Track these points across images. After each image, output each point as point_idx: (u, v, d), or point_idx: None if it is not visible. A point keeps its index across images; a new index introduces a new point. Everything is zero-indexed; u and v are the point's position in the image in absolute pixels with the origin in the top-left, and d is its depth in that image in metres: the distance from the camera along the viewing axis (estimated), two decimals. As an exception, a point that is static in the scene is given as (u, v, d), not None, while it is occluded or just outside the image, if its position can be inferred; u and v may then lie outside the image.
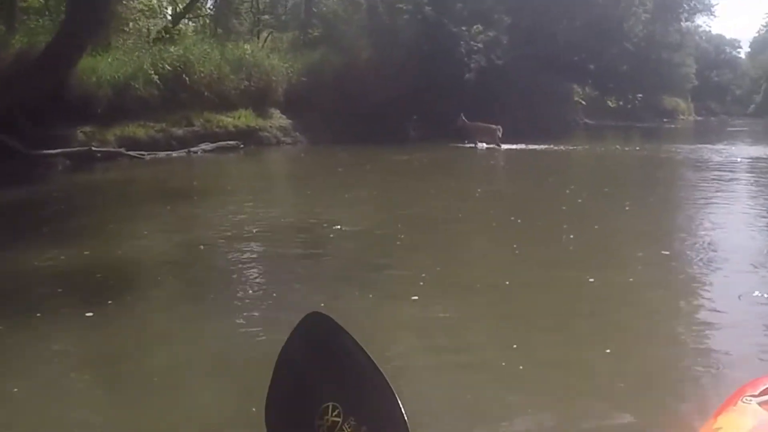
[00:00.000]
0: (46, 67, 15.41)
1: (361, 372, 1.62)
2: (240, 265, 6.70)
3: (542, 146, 20.76)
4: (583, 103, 28.73)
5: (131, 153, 16.08)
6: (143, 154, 16.34)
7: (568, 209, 10.06)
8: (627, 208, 10.37)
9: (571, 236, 7.92)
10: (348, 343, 1.66)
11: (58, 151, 15.33)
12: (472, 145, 21.15)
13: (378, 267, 6.57)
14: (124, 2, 16.43)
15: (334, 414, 1.60)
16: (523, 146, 20.66)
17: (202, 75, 18.64)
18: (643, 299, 5.55)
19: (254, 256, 7.23)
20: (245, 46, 20.64)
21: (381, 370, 1.59)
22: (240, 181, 14.01)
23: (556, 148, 20.80)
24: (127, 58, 17.63)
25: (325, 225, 8.71)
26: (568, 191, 11.90)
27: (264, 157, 18.37)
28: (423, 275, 6.02)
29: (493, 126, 20.94)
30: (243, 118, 19.47)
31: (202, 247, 7.47)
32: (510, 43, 24.05)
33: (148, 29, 18.21)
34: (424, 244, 7.77)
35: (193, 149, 17.38)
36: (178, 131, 17.87)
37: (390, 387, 1.57)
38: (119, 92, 17.07)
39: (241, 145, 18.55)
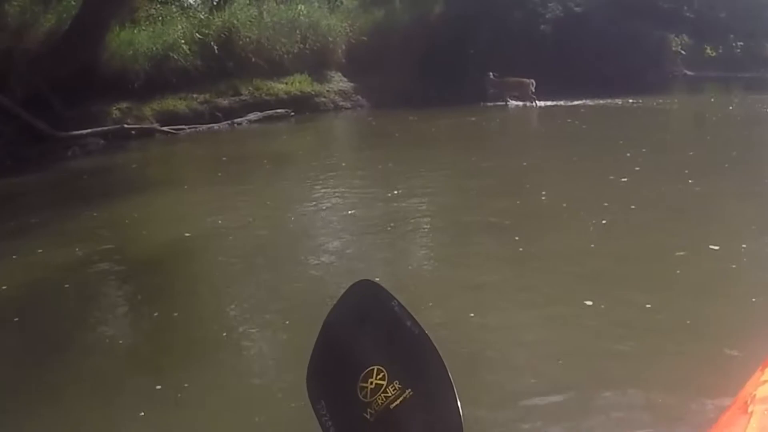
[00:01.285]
0: (72, 44, 14.50)
1: (409, 337, 1.60)
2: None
3: (620, 100, 18.45)
4: (683, 52, 25.48)
5: (165, 129, 14.96)
6: (179, 129, 15.21)
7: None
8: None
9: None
10: (396, 309, 1.65)
11: (88, 131, 14.39)
12: (504, 102, 19.45)
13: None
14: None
15: (378, 377, 1.58)
16: (586, 102, 18.35)
17: (249, 40, 17.25)
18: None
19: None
20: (299, 7, 19.06)
21: (429, 336, 1.57)
22: (276, 158, 12.41)
23: (637, 102, 18.47)
24: (165, 28, 16.46)
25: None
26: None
27: (318, 125, 16.82)
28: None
29: (526, 80, 19.12)
30: (297, 84, 18.01)
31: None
32: None
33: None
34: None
35: (237, 120, 16.09)
36: (224, 102, 16.60)
37: (438, 354, 1.55)
38: (157, 64, 15.91)
39: (292, 113, 17.10)
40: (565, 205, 7.38)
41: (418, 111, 17.24)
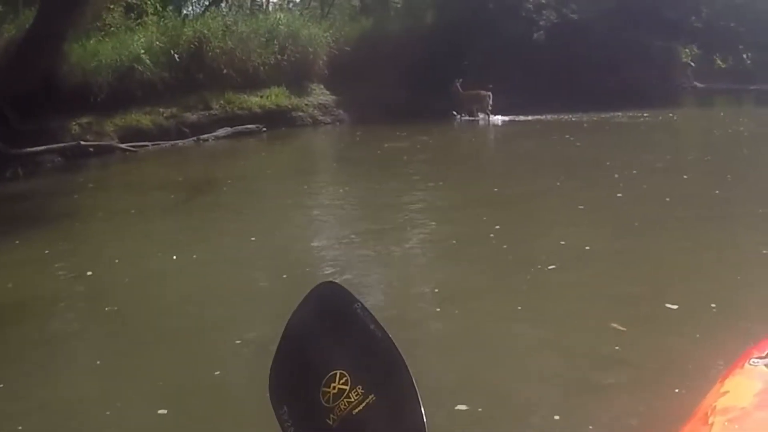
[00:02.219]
0: (27, 56, 13.74)
1: (372, 341, 1.57)
2: None
3: (623, 114, 17.46)
4: (692, 64, 24.29)
5: (123, 146, 14.12)
6: (139, 146, 14.37)
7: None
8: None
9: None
10: (360, 313, 1.61)
11: (42, 148, 13.59)
12: (467, 116, 18.65)
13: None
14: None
15: (341, 382, 1.55)
16: (584, 116, 17.40)
17: (221, 51, 16.39)
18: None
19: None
20: (278, 15, 18.23)
21: (393, 340, 1.53)
22: (235, 180, 11.26)
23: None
24: (130, 38, 15.65)
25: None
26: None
27: (291, 143, 15.88)
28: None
29: (483, 92, 18.28)
30: (273, 97, 17.10)
31: None
32: None
33: (156, 6, 16.00)
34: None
35: (203, 137, 15.21)
36: (192, 116, 15.72)
37: (401, 358, 1.52)
38: (121, 77, 15.10)
39: (264, 129, 16.19)
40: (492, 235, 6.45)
41: (404, 125, 16.32)
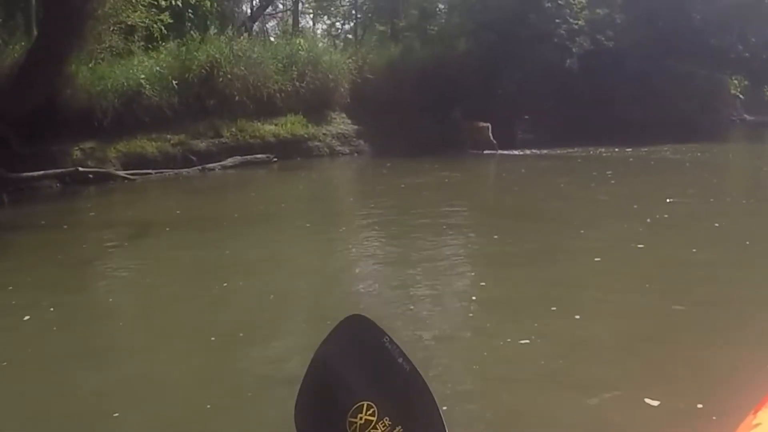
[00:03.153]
0: (27, 79, 13.25)
1: (400, 373, 1.60)
2: None
3: (668, 148, 16.14)
4: (741, 96, 22.85)
5: (122, 173, 13.46)
6: (139, 174, 13.69)
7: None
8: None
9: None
10: (388, 345, 1.64)
11: (40, 173, 13.06)
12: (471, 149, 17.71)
13: None
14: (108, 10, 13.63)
15: (368, 413, 1.58)
16: (624, 150, 16.22)
17: (234, 77, 15.69)
18: None
19: None
20: (298, 41, 17.51)
21: (420, 373, 1.57)
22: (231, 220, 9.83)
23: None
24: (140, 62, 15.06)
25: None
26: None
27: (303, 175, 14.88)
28: None
29: (482, 124, 17.71)
30: (289, 126, 16.34)
31: None
32: (626, 23, 19.01)
33: (160, 30, 15.33)
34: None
35: (209, 166, 14.48)
36: (200, 144, 15.03)
37: (429, 390, 1.56)
38: (128, 101, 14.53)
39: (275, 159, 15.38)
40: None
41: (430, 158, 15.52)
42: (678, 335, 4.43)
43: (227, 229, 8.83)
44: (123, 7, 13.91)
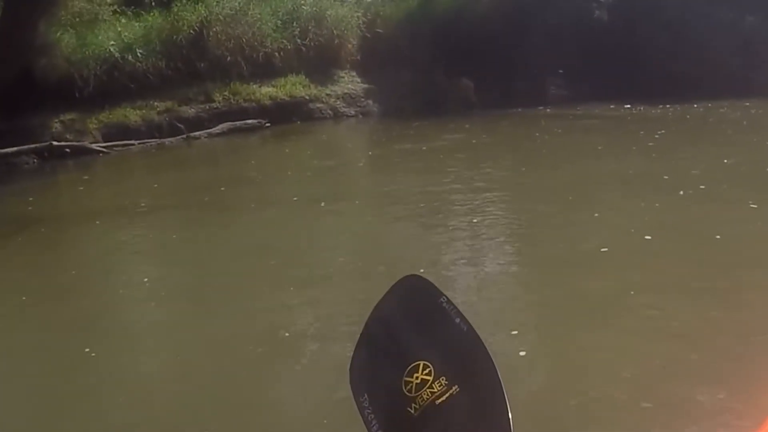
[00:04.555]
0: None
1: (457, 334, 1.60)
2: None
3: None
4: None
5: (94, 146, 12.71)
6: (117, 146, 12.94)
7: None
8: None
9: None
10: (445, 305, 1.66)
11: (13, 149, 12.46)
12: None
13: None
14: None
15: (424, 372, 1.58)
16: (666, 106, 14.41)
17: (227, 36, 14.65)
18: None
19: None
20: (301, -6, 16.26)
21: (478, 334, 1.57)
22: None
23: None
24: (125, 26, 14.19)
25: None
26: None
27: (299, 141, 13.84)
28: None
29: (465, 81, 16.42)
30: (288, 87, 15.24)
31: None
32: None
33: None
34: None
35: (194, 134, 13.58)
36: (189, 111, 14.12)
37: (487, 351, 1.55)
38: (111, 68, 13.74)
39: (267, 124, 14.35)
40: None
41: (449, 119, 14.36)
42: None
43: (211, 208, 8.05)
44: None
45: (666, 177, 7.92)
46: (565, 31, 16.75)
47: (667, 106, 14.87)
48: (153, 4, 15.10)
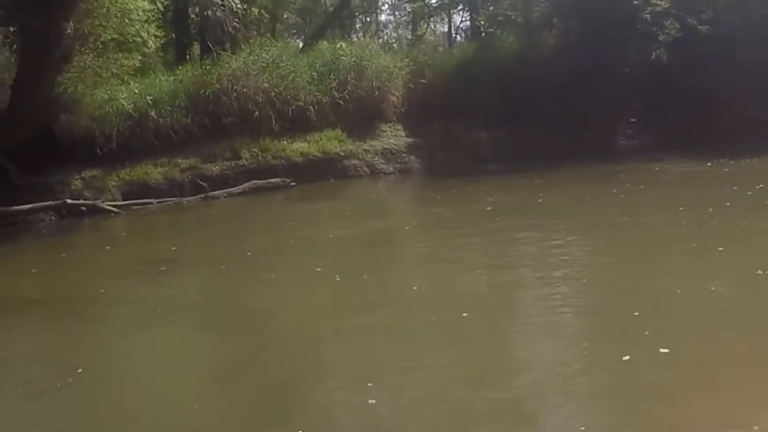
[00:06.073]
0: (18, 108, 12.48)
1: None
2: None
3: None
4: None
5: (106, 206, 12.17)
6: (124, 206, 12.40)
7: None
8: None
9: None
10: None
11: (28, 206, 12.08)
12: None
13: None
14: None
15: None
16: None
17: (257, 89, 13.99)
18: None
19: None
20: (339, 44, 15.49)
21: None
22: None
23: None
24: (150, 82, 13.79)
25: None
26: None
27: (326, 203, 12.77)
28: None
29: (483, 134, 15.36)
30: (323, 142, 14.39)
31: None
32: (723, 3, 15.01)
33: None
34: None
35: (213, 193, 12.88)
36: (214, 168, 13.48)
37: None
38: (134, 125, 13.32)
39: (292, 183, 13.49)
40: None
41: (497, 176, 13.13)
42: None
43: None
44: (107, 23, 12.51)
45: None
46: (627, 75, 15.31)
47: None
48: (188, 58, 14.68)
